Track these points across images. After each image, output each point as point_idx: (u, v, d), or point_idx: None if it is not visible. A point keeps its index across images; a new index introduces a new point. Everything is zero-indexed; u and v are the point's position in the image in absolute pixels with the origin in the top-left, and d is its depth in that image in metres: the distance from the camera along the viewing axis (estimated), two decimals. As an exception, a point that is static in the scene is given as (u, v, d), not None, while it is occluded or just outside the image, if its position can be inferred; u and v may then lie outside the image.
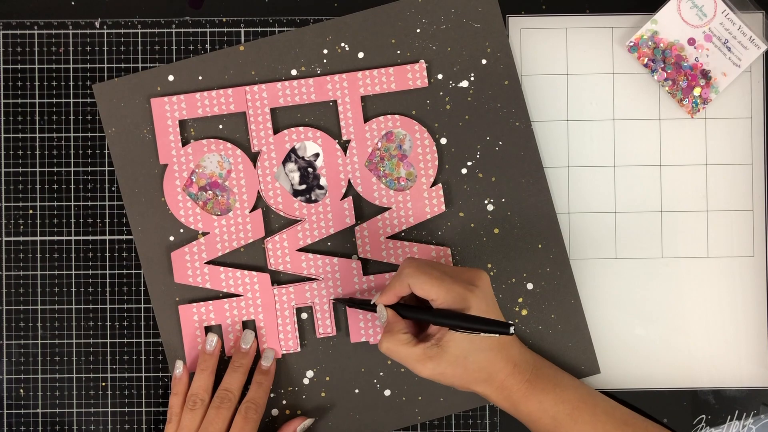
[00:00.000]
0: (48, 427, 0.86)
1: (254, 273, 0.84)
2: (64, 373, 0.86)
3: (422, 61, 0.85)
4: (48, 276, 0.86)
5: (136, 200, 0.85)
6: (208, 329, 0.85)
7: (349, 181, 0.85)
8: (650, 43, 0.86)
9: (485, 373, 0.76)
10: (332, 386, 0.85)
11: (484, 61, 0.86)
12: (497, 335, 0.73)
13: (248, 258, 0.85)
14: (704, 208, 0.87)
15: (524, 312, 0.86)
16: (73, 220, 0.86)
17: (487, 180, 0.86)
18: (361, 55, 0.86)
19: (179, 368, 0.84)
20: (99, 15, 0.87)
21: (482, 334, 0.73)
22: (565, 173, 0.87)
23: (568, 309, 0.86)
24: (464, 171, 0.86)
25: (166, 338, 0.85)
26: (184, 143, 0.85)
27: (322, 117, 0.85)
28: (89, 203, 0.86)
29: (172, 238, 0.85)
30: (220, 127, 0.86)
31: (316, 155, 0.85)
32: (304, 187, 0.85)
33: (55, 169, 0.86)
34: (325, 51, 0.86)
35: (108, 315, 0.86)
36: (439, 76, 0.86)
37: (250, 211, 0.85)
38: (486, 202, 0.86)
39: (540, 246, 0.86)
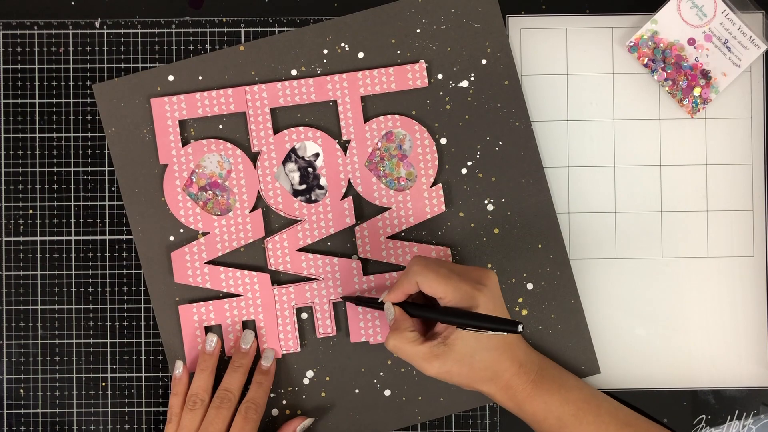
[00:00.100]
0: (48, 427, 0.86)
1: (254, 273, 0.84)
2: (64, 373, 0.86)
3: (422, 61, 0.85)
4: (48, 276, 0.86)
5: (136, 200, 0.85)
6: (208, 329, 0.85)
7: (349, 181, 0.85)
8: (650, 43, 0.86)
9: (491, 372, 0.76)
10: (332, 386, 0.85)
11: (484, 61, 0.86)
12: (505, 333, 0.73)
13: (248, 258, 0.85)
14: (704, 208, 0.87)
15: (524, 312, 0.86)
16: (73, 220, 0.86)
17: (487, 180, 0.86)
18: (361, 55, 0.86)
19: (179, 368, 0.83)
20: (99, 15, 0.87)
21: (490, 332, 0.73)
22: (565, 173, 0.87)
23: (568, 309, 0.86)
24: (464, 171, 0.86)
25: (166, 338, 0.85)
26: (184, 143, 0.85)
27: (322, 117, 0.85)
28: (89, 203, 0.86)
29: (172, 238, 0.85)
30: (220, 127, 0.86)
31: (316, 155, 0.85)
32: (304, 187, 0.85)
33: (55, 169, 0.86)
34: (325, 51, 0.86)
35: (108, 315, 0.86)
36: (439, 76, 0.86)
37: (250, 211, 0.85)
38: (486, 202, 0.86)
39: (540, 246, 0.86)
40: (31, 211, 0.86)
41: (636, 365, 0.86)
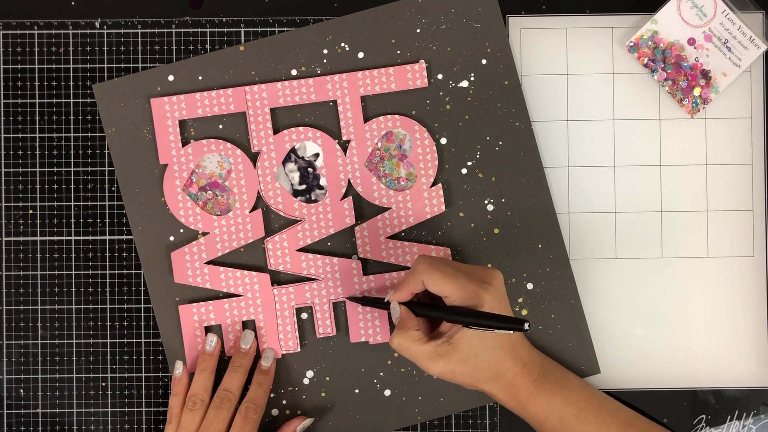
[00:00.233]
0: (48, 427, 0.86)
1: (254, 273, 0.84)
2: (64, 373, 0.86)
3: (422, 61, 0.85)
4: (48, 276, 0.86)
5: (136, 200, 0.85)
6: (207, 329, 0.85)
7: (349, 181, 0.85)
8: (650, 43, 0.86)
9: (494, 371, 0.76)
10: (332, 386, 0.85)
11: (484, 61, 0.86)
12: (511, 332, 0.73)
13: (248, 258, 0.85)
14: (704, 208, 0.87)
15: (524, 312, 0.86)
16: (73, 220, 0.86)
17: (487, 180, 0.86)
18: (361, 55, 0.86)
19: (179, 369, 0.83)
20: (99, 15, 0.87)
21: (496, 330, 0.73)
22: (565, 173, 0.87)
23: (568, 309, 0.86)
24: (464, 171, 0.86)
25: (166, 338, 0.85)
26: (184, 143, 0.85)
27: (322, 117, 0.85)
28: (89, 203, 0.86)
29: (172, 238, 0.85)
30: (220, 127, 0.86)
31: (316, 155, 0.85)
32: (304, 187, 0.85)
33: (55, 169, 0.86)
34: (325, 51, 0.86)
35: (108, 315, 0.86)
36: (439, 76, 0.86)
37: (250, 211, 0.85)
38: (486, 202, 0.86)
39: (540, 246, 0.86)
40: (31, 211, 0.86)
41: (636, 365, 0.86)
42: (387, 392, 0.86)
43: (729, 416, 0.87)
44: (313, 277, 0.85)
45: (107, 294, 0.86)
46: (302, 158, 0.85)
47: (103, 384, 0.86)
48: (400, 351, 0.76)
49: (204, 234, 0.85)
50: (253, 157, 0.85)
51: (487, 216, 0.86)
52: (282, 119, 0.86)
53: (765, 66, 0.87)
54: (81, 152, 0.86)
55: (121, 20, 0.87)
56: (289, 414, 0.85)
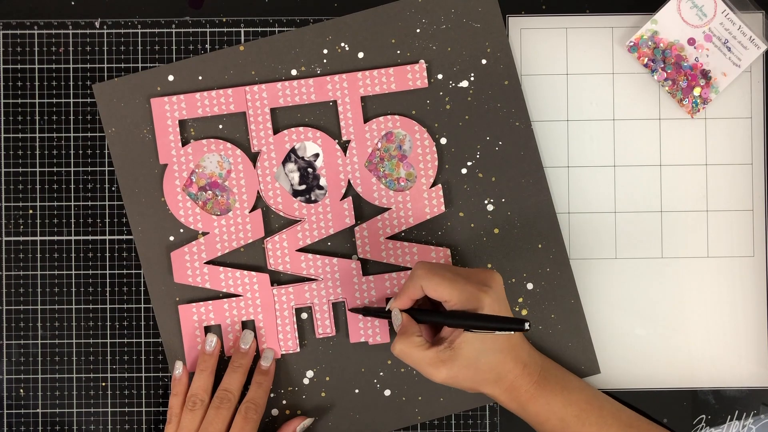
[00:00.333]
0: (48, 427, 0.86)
1: (254, 273, 0.84)
2: (64, 373, 0.86)
3: (422, 61, 0.85)
4: (48, 276, 0.86)
5: (136, 200, 0.85)
6: (207, 329, 0.85)
7: (348, 181, 0.85)
8: (650, 43, 0.86)
9: (495, 373, 0.76)
10: (332, 386, 0.86)
11: (484, 61, 0.86)
12: (512, 332, 0.73)
13: (248, 258, 0.85)
14: (704, 208, 0.87)
15: (524, 312, 0.86)
16: (73, 220, 0.86)
17: (487, 180, 0.86)
18: (361, 55, 0.86)
19: (179, 369, 0.84)
20: (99, 15, 0.87)
21: (496, 332, 0.73)
22: (565, 173, 0.87)
23: (568, 309, 0.86)
24: (464, 171, 0.86)
25: (166, 338, 0.85)
26: (184, 143, 0.85)
27: (322, 117, 0.85)
28: (89, 203, 0.86)
29: (172, 238, 0.85)
30: (220, 127, 0.86)
31: (316, 155, 0.85)
32: (303, 187, 0.85)
33: (55, 169, 0.86)
34: (325, 51, 0.86)
35: (108, 315, 0.86)
36: (439, 76, 0.86)
37: (250, 211, 0.85)
38: (486, 202, 0.86)
39: (540, 246, 0.86)
40: (31, 211, 0.86)
41: (636, 365, 0.86)
42: (387, 392, 0.86)
43: (729, 416, 0.87)
44: (313, 277, 0.85)
45: (107, 294, 0.86)
46: (302, 158, 0.85)
47: (103, 384, 0.86)
48: (402, 358, 0.76)
49: (204, 234, 0.85)
50: (253, 157, 0.85)
51: (487, 216, 0.86)
52: (282, 119, 0.86)
53: (765, 66, 0.87)
54: (81, 152, 0.86)
55: (121, 20, 0.87)
56: (289, 414, 0.86)
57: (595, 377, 0.86)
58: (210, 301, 0.84)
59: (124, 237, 0.86)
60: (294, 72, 0.85)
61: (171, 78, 0.85)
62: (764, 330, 0.87)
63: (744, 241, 0.87)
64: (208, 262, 0.85)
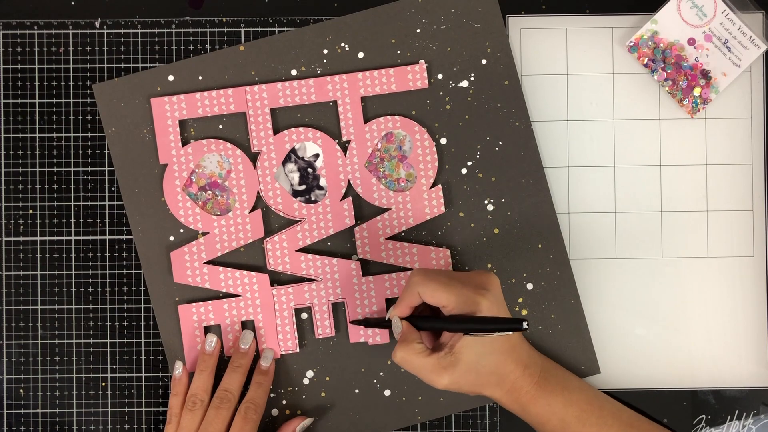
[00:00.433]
0: (48, 427, 0.86)
1: (253, 273, 0.84)
2: (64, 373, 0.86)
3: (422, 61, 0.85)
4: (48, 276, 0.86)
5: (136, 200, 0.85)
6: (207, 329, 0.85)
7: (348, 181, 0.85)
8: (650, 43, 0.86)
9: (496, 376, 0.76)
10: (332, 386, 0.86)
11: (484, 61, 0.86)
12: (511, 332, 0.73)
13: (248, 258, 0.85)
14: (704, 208, 0.87)
15: (524, 312, 0.86)
16: (73, 220, 0.86)
17: (487, 180, 0.86)
18: (361, 55, 0.86)
19: (179, 369, 0.84)
20: (99, 15, 0.87)
21: (496, 334, 0.73)
22: (565, 173, 0.87)
23: (568, 309, 0.86)
24: (464, 171, 0.86)
25: (166, 338, 0.85)
26: (184, 143, 0.85)
27: (322, 117, 0.85)
28: (89, 203, 0.86)
29: (171, 238, 0.85)
30: (220, 127, 0.86)
31: (316, 156, 0.85)
32: (303, 187, 0.85)
33: (55, 169, 0.86)
34: (325, 51, 0.86)
35: (108, 315, 0.86)
36: (439, 76, 0.86)
37: (250, 212, 0.85)
38: (486, 202, 0.86)
39: (540, 246, 0.86)
40: (31, 211, 0.86)
41: (636, 365, 0.86)
42: (387, 392, 0.86)
43: (729, 416, 0.87)
44: (313, 277, 0.85)
45: (107, 294, 0.86)
46: (302, 159, 0.85)
47: (103, 384, 0.86)
48: (404, 365, 0.76)
49: (204, 234, 0.85)
50: (253, 157, 0.85)
51: (487, 216, 0.86)
52: (282, 119, 0.86)
53: (765, 66, 0.87)
54: (81, 152, 0.86)
55: (121, 20, 0.87)
56: (289, 414, 0.86)
57: (595, 377, 0.86)
58: (210, 301, 0.85)
59: (124, 237, 0.86)
60: (294, 72, 0.85)
61: (171, 78, 0.85)
62: (764, 330, 0.87)
63: (744, 241, 0.87)
64: (207, 262, 0.85)
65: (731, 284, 0.87)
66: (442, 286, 0.75)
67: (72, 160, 0.86)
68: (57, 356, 0.86)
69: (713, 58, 0.85)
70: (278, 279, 0.85)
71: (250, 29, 0.87)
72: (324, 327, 0.85)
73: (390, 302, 0.85)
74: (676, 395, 0.87)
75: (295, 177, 0.85)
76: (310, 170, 0.85)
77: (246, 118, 0.85)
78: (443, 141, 0.86)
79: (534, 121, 0.86)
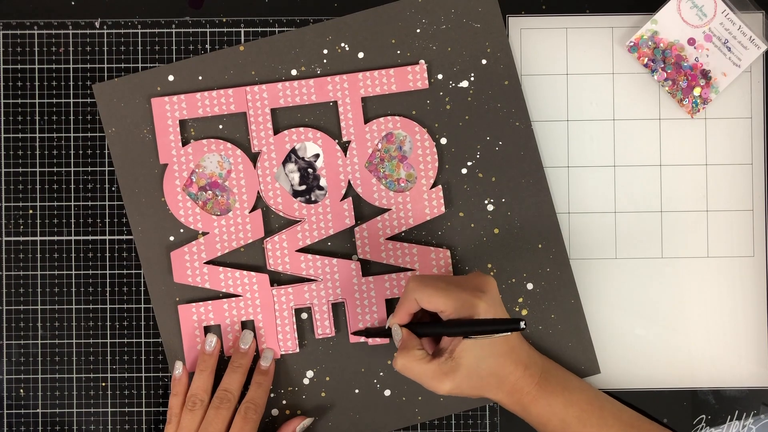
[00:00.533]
0: (48, 427, 0.86)
1: (253, 273, 0.84)
2: (64, 373, 0.86)
3: (422, 62, 0.85)
4: (48, 276, 0.86)
5: (136, 200, 0.85)
6: (207, 329, 0.85)
7: (349, 182, 0.85)
8: (650, 43, 0.86)
9: (497, 378, 0.76)
10: (332, 386, 0.86)
11: (484, 61, 0.86)
12: (509, 333, 0.73)
13: (248, 258, 0.85)
14: (704, 208, 0.87)
15: (524, 312, 0.86)
16: (73, 220, 0.86)
17: (487, 180, 0.86)
18: (361, 55, 0.86)
19: (179, 369, 0.84)
20: (99, 15, 0.87)
21: (494, 336, 0.73)
22: (565, 173, 0.87)
23: (568, 309, 0.86)
24: (464, 171, 0.86)
25: (166, 338, 0.85)
26: (184, 143, 0.85)
27: (323, 117, 0.85)
28: (89, 203, 0.86)
29: (172, 238, 0.85)
30: (220, 127, 0.86)
31: (316, 156, 0.85)
32: (303, 187, 0.85)
33: (55, 169, 0.86)
34: (325, 51, 0.86)
35: (108, 315, 0.86)
36: (439, 77, 0.86)
37: (250, 212, 0.85)
38: (486, 202, 0.86)
39: (540, 246, 0.86)
40: (31, 211, 0.86)
41: (636, 365, 0.86)
42: (387, 392, 0.86)
43: (729, 416, 0.87)
44: (313, 277, 0.85)
45: (107, 294, 0.86)
46: (302, 159, 0.85)
47: (103, 384, 0.86)
48: (405, 373, 0.76)
49: (204, 234, 0.85)
50: (253, 158, 0.85)
51: (487, 216, 0.86)
52: (282, 119, 0.86)
53: (765, 66, 0.87)
54: (81, 152, 0.86)
55: (121, 20, 0.87)
56: (289, 414, 0.86)
57: (595, 377, 0.86)
58: (210, 301, 0.85)
59: (124, 237, 0.86)
60: (294, 72, 0.85)
61: (171, 78, 0.85)
62: (764, 330, 0.87)
63: (744, 241, 0.87)
64: (207, 262, 0.85)
65: (731, 284, 0.87)
66: (438, 291, 0.75)
67: (72, 160, 0.86)
68: (57, 356, 0.86)
69: (713, 58, 0.85)
70: (278, 279, 0.85)
71: (250, 29, 0.87)
72: (324, 327, 0.85)
73: (390, 302, 0.85)
74: (676, 395, 0.87)
75: (296, 177, 0.85)
76: (310, 170, 0.85)
77: (246, 118, 0.85)
78: (443, 141, 0.86)
79: (534, 121, 0.86)
